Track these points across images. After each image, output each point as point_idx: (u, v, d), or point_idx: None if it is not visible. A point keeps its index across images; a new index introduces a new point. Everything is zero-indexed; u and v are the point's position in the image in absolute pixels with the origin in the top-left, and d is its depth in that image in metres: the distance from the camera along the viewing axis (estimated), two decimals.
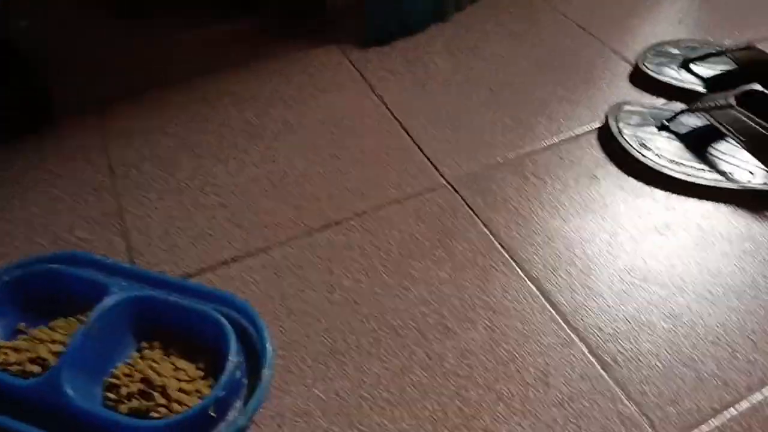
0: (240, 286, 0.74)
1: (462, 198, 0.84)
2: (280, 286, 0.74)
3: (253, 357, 0.64)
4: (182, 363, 0.63)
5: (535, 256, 0.77)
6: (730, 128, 0.85)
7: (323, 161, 0.91)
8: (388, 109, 1.00)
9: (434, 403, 0.63)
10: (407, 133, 0.95)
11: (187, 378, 0.61)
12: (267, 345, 0.64)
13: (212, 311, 0.64)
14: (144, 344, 0.65)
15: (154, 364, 0.62)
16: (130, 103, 1.03)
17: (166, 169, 0.90)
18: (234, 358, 0.61)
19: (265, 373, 0.62)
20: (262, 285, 0.74)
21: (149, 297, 0.66)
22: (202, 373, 0.62)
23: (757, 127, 0.83)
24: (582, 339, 0.68)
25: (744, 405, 0.63)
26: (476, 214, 0.82)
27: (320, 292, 0.73)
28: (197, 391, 0.60)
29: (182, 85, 1.06)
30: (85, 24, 1.21)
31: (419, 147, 0.92)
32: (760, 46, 0.97)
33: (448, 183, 0.86)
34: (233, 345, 0.61)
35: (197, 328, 0.64)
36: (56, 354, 0.63)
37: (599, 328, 0.69)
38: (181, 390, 0.60)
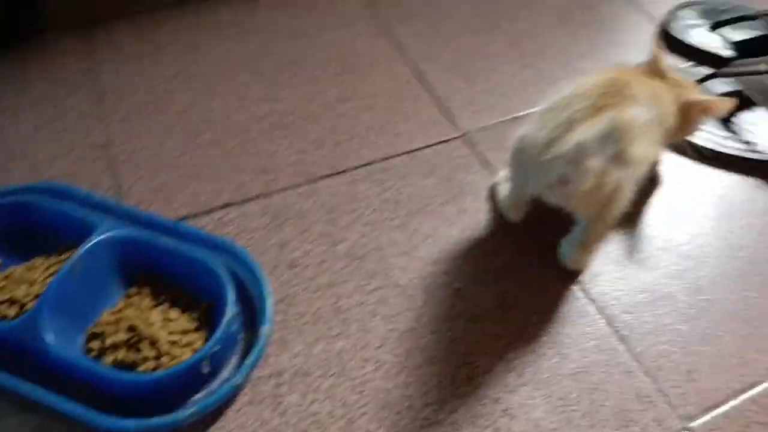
0: (236, 233, 0.69)
1: (477, 153, 0.79)
2: (280, 235, 0.69)
3: (251, 310, 0.60)
4: (174, 313, 0.58)
5: None
6: (760, 96, 0.80)
7: (329, 104, 0.84)
8: (401, 52, 0.93)
9: (443, 374, 0.59)
10: (420, 80, 0.88)
11: (179, 329, 0.56)
12: (267, 299, 0.59)
13: (208, 258, 0.59)
14: (132, 290, 0.60)
15: (143, 313, 0.57)
16: (124, 26, 0.94)
17: (159, 101, 0.83)
18: (231, 309, 0.56)
19: (265, 328, 0.57)
20: (261, 233, 0.69)
21: (140, 238, 0.60)
22: (195, 325, 0.57)
23: None
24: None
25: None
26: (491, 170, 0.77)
27: (323, 245, 0.68)
28: (189, 344, 0.56)
29: (180, 10, 0.98)
30: None
31: (433, 96, 0.86)
32: None
33: (463, 136, 0.81)
34: (231, 296, 0.56)
35: (191, 275, 0.59)
36: (35, 296, 0.58)
37: None
38: (171, 342, 0.55)
